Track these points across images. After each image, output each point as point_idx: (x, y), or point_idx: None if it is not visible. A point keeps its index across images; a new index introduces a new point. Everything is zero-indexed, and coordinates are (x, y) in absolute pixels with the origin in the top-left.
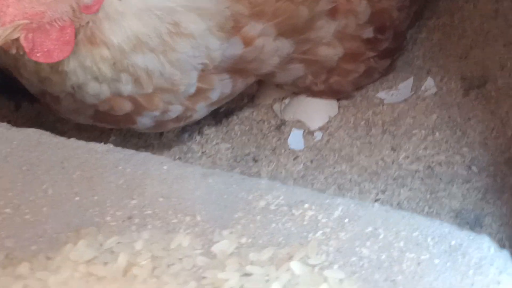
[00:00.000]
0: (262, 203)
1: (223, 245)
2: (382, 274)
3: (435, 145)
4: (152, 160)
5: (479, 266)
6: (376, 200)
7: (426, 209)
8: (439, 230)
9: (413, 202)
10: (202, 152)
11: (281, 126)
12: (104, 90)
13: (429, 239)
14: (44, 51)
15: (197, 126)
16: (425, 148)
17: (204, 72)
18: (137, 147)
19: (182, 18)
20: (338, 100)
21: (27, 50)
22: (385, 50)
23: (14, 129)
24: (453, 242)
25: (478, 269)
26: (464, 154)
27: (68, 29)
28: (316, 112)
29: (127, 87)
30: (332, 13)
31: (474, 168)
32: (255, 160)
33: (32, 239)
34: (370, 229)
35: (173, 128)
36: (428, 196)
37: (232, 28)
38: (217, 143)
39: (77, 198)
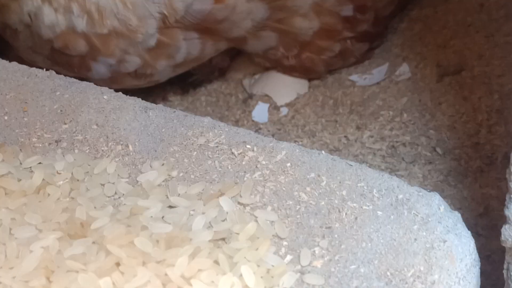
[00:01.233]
0: (201, 140)
1: (151, 175)
2: (318, 220)
3: (401, 126)
4: (93, 89)
5: (425, 222)
6: None
7: None
8: (387, 183)
9: None
10: None
11: (248, 100)
12: (60, 21)
13: (374, 191)
14: None
15: (162, 92)
16: (391, 129)
17: (166, 25)
18: None
19: None
20: (309, 80)
21: None
22: (363, 32)
23: None
24: (400, 196)
25: (423, 225)
26: (430, 136)
27: None
28: (285, 88)
29: (79, 21)
30: None
31: (438, 150)
32: None
33: None
34: (312, 175)
35: (133, 86)
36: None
37: None
38: (180, 110)
39: (5, 118)
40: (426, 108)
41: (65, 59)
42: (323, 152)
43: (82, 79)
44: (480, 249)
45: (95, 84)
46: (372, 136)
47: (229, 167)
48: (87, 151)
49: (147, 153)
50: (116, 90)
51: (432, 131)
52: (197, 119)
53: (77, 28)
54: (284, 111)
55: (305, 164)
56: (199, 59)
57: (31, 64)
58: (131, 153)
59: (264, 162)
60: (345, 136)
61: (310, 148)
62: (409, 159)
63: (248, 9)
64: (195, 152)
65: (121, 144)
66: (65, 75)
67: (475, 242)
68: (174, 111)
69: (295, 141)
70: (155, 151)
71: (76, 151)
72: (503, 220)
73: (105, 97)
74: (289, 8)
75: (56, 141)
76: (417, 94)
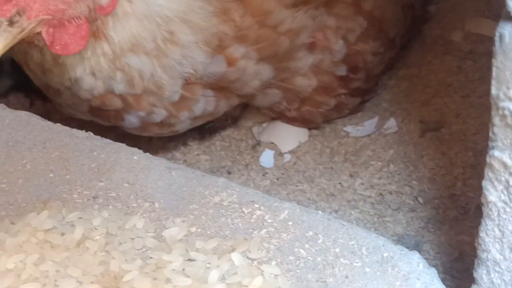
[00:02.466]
0: (216, 199)
1: (173, 231)
2: (315, 275)
3: (388, 175)
4: (125, 150)
5: (406, 279)
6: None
7: (373, 230)
8: (374, 242)
9: (361, 222)
10: (184, 160)
11: (256, 146)
12: (99, 86)
13: (363, 249)
14: (62, 44)
15: (182, 138)
16: (379, 178)
17: (188, 82)
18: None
19: (176, 28)
20: (309, 129)
21: (47, 43)
22: (356, 89)
23: (8, 109)
24: (385, 254)
25: (405, 281)
26: (413, 186)
27: (84, 26)
28: (288, 137)
29: (120, 86)
30: (311, 47)
31: (420, 199)
32: (228, 173)
33: (3, 205)
34: (310, 233)
35: (158, 134)
36: (375, 219)
37: (217, 46)
38: (198, 154)
39: (51, 175)
40: (410, 160)
41: (102, 112)
42: (319, 212)
43: (116, 127)
44: None
45: (127, 131)
46: (363, 184)
47: (240, 225)
48: (120, 207)
49: (170, 210)
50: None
51: (415, 182)
52: (213, 179)
53: (115, 91)
54: (287, 157)
55: (304, 222)
56: (214, 114)
57: (72, 116)
58: (157, 210)
59: (269, 221)
60: (339, 183)
61: (309, 193)
62: (394, 206)
63: (256, 70)
64: (211, 210)
65: (149, 201)
66: (102, 124)
67: (450, 284)
68: (194, 172)
69: (296, 186)
70: (177, 208)
71: (111, 207)
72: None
73: (135, 157)
74: (291, 69)
75: (94, 197)
76: (403, 147)
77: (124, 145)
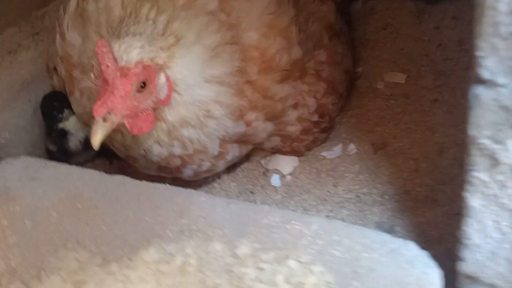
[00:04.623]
0: (265, 221)
1: (243, 249)
2: (349, 268)
3: (359, 183)
4: (195, 194)
5: (411, 261)
6: (327, 216)
7: (359, 221)
8: (381, 238)
9: (350, 217)
10: (220, 188)
11: (266, 172)
12: (164, 152)
13: (376, 244)
14: (137, 128)
15: (217, 173)
16: (354, 185)
17: (223, 141)
18: (181, 185)
19: (211, 107)
20: (298, 156)
21: (129, 129)
22: (324, 128)
23: (107, 175)
24: (391, 246)
25: (410, 263)
26: (378, 188)
27: (151, 114)
28: (286, 164)
29: (177, 150)
30: (295, 106)
31: (386, 196)
32: (252, 192)
33: (119, 246)
34: (336, 237)
35: (204, 176)
36: (359, 213)
37: (239, 115)
38: (228, 182)
39: (148, 219)
40: (371, 170)
41: (167, 169)
42: (338, 221)
43: (177, 177)
44: None
45: (183, 178)
46: (344, 190)
47: (287, 238)
48: (201, 236)
49: (236, 233)
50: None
51: (379, 185)
52: (259, 207)
53: (175, 153)
54: (288, 178)
55: (330, 230)
56: (238, 158)
57: (144, 172)
58: (228, 235)
59: (306, 232)
60: (327, 191)
61: (309, 201)
62: (369, 203)
63: (264, 127)
64: (264, 230)
65: (220, 229)
66: (165, 176)
67: None
68: (245, 203)
69: (299, 196)
70: (241, 231)
71: (195, 237)
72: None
73: (203, 198)
74: (285, 122)
75: (181, 231)
76: (364, 162)
77: (193, 190)
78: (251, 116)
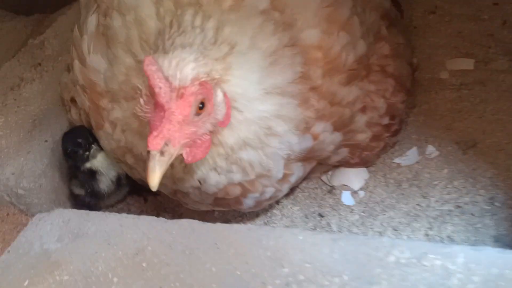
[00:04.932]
0: (391, 258)
1: None
2: None
3: (455, 190)
4: (287, 232)
5: None
6: (426, 235)
7: (473, 238)
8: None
9: (460, 234)
10: (282, 214)
11: (332, 190)
12: (222, 180)
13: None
14: (192, 156)
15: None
16: (448, 193)
17: (287, 161)
18: (234, 218)
19: (273, 123)
20: (366, 167)
21: (187, 159)
22: (395, 131)
23: (170, 221)
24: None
25: None
26: (483, 194)
27: (208, 138)
28: (355, 178)
29: (237, 176)
30: (363, 110)
31: (496, 203)
32: (321, 216)
33: None
34: (495, 270)
35: (265, 206)
36: (469, 228)
37: (305, 128)
38: (290, 207)
39: (238, 273)
40: (466, 174)
41: (224, 201)
42: (486, 247)
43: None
44: None
45: (242, 211)
46: (438, 201)
47: (430, 278)
48: None
49: (359, 279)
50: None
51: (482, 191)
52: (377, 240)
53: (235, 181)
54: (361, 193)
55: (483, 261)
56: (302, 178)
57: (195, 209)
58: (349, 283)
59: (453, 267)
60: (417, 204)
61: (398, 218)
62: (477, 214)
63: (332, 139)
64: (396, 271)
65: (336, 276)
66: (221, 211)
67: None
68: (357, 237)
69: (384, 214)
70: (365, 276)
71: None
72: None
73: (300, 237)
74: (353, 130)
75: (286, 285)
76: (454, 165)
77: (283, 228)
78: (318, 127)
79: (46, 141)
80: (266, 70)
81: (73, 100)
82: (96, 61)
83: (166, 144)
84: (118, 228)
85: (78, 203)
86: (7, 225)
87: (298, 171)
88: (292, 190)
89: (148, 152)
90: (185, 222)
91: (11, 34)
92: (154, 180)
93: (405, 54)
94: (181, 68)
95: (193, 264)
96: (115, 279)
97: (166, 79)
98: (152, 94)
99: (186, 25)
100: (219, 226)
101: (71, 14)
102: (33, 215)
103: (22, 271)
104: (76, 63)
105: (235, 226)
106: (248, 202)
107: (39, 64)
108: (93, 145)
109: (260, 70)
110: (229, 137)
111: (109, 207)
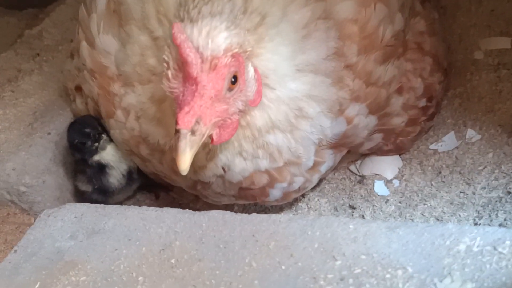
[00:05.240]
0: (462, 247)
1: None
2: None
3: (504, 176)
4: (334, 221)
5: None
6: (475, 224)
7: None
8: None
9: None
10: (309, 207)
11: (363, 180)
12: (248, 167)
13: None
14: (218, 137)
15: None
16: (496, 179)
17: (318, 148)
18: (256, 211)
19: (304, 104)
20: (399, 155)
21: (215, 140)
22: (431, 114)
23: (198, 213)
24: None
25: None
26: None
27: (236, 119)
28: (388, 166)
29: (264, 162)
30: (399, 91)
31: None
32: (353, 208)
33: None
34: None
35: (292, 198)
36: None
37: (338, 110)
38: (317, 199)
39: (282, 267)
40: None
41: (249, 192)
42: None
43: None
44: None
45: (266, 205)
46: (484, 188)
47: (509, 267)
48: (375, 283)
49: (427, 271)
50: None
51: None
52: (441, 226)
53: (261, 168)
54: (396, 183)
55: None
56: (331, 169)
57: (215, 203)
58: (414, 275)
59: None
60: (461, 192)
61: (440, 207)
62: None
63: (366, 123)
64: (469, 260)
65: (399, 268)
66: (241, 206)
67: None
68: (417, 225)
69: (424, 204)
70: (432, 267)
71: (367, 285)
72: None
73: (351, 226)
74: (389, 113)
75: (341, 279)
76: (498, 149)
77: (331, 217)
78: (353, 110)
79: (49, 133)
80: (298, 44)
81: (78, 89)
82: (107, 42)
83: (197, 122)
84: (139, 222)
85: (84, 200)
86: (8, 225)
87: (329, 159)
88: (318, 181)
89: (177, 131)
90: (215, 214)
91: (4, 29)
92: (185, 162)
93: (440, 31)
94: (212, 37)
95: (230, 259)
96: (140, 278)
97: (197, 49)
98: (182, 65)
99: None
100: (255, 217)
101: (71, 3)
102: (36, 214)
103: (32, 272)
104: (84, 46)
105: (273, 217)
106: (275, 193)
107: (38, 54)
108: (103, 135)
109: (293, 44)
110: (258, 118)
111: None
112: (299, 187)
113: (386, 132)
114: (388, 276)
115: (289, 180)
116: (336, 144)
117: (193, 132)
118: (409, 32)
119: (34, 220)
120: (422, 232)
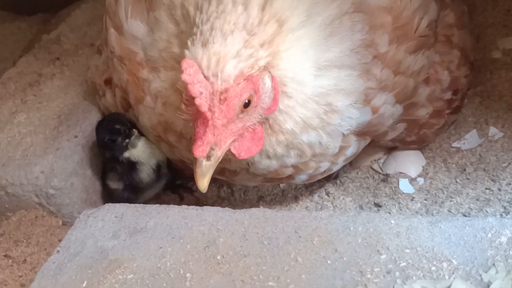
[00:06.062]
0: (503, 239)
1: (498, 284)
2: None
3: None
4: (375, 217)
5: None
6: None
7: None
8: None
9: None
10: (334, 206)
11: (387, 178)
12: (273, 164)
13: None
14: (245, 150)
15: (323, 189)
16: None
17: (343, 135)
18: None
19: (332, 99)
20: (420, 148)
21: (236, 155)
22: (455, 107)
23: (239, 211)
24: None
25: None
26: None
27: (258, 129)
28: (411, 164)
29: (291, 160)
30: (426, 81)
31: None
32: (378, 205)
33: None
34: None
35: (318, 179)
36: None
37: (364, 100)
38: (342, 198)
39: (328, 262)
40: None
41: (274, 179)
42: None
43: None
44: None
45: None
46: (509, 184)
47: None
48: (421, 275)
49: (471, 263)
50: None
51: None
52: (481, 220)
53: (288, 164)
54: (421, 180)
55: None
56: (355, 155)
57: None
58: (460, 267)
59: None
60: (487, 189)
61: (466, 204)
62: None
63: (392, 112)
64: (511, 251)
65: (444, 261)
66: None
67: None
68: (458, 219)
69: (450, 201)
70: (476, 258)
71: (414, 277)
72: None
73: (392, 221)
74: (415, 103)
75: (387, 273)
76: None
77: (371, 213)
78: (380, 99)
79: (76, 136)
80: (321, 45)
81: (107, 83)
82: (135, 26)
83: (211, 148)
84: (181, 221)
85: (114, 200)
86: (38, 228)
87: (354, 146)
88: (339, 180)
89: (195, 157)
90: (256, 211)
91: (15, 34)
92: (204, 184)
93: (469, 24)
94: (221, 67)
95: (275, 254)
96: (188, 275)
97: (207, 79)
98: (193, 101)
99: (227, 1)
100: (296, 213)
101: (86, 8)
102: (63, 217)
103: (77, 271)
104: (112, 32)
105: (314, 213)
106: (301, 177)
107: (58, 58)
108: (133, 130)
109: (315, 47)
110: (286, 122)
111: (147, 202)
112: (325, 170)
113: (409, 122)
114: (433, 268)
115: (315, 167)
116: (361, 132)
117: (208, 158)
118: (439, 23)
119: (62, 223)
120: (464, 226)
